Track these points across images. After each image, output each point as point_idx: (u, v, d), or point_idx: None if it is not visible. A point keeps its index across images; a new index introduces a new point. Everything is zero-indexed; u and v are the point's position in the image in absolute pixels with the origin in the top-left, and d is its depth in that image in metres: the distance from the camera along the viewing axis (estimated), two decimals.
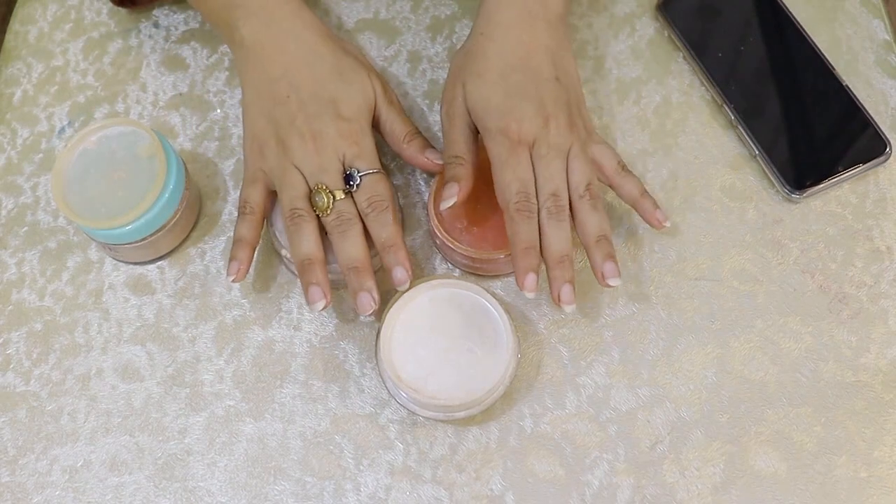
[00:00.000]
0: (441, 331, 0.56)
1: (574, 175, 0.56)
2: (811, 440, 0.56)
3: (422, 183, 0.64)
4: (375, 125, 0.60)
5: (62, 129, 0.67)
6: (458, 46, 0.67)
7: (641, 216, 0.58)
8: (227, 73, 0.68)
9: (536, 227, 0.55)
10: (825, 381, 0.57)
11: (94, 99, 0.68)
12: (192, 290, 0.61)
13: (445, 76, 0.66)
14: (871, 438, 0.56)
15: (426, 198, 0.61)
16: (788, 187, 0.61)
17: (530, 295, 0.54)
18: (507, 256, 0.57)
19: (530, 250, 0.54)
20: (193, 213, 0.63)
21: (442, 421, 0.57)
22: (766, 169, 0.62)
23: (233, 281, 0.57)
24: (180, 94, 0.67)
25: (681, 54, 0.67)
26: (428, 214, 0.59)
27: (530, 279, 0.54)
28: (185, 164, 0.61)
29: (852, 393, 0.57)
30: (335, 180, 0.56)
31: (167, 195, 0.58)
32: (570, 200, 0.56)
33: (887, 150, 0.61)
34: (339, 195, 0.56)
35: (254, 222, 0.58)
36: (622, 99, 0.65)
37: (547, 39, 0.58)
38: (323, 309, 0.55)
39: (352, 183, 0.56)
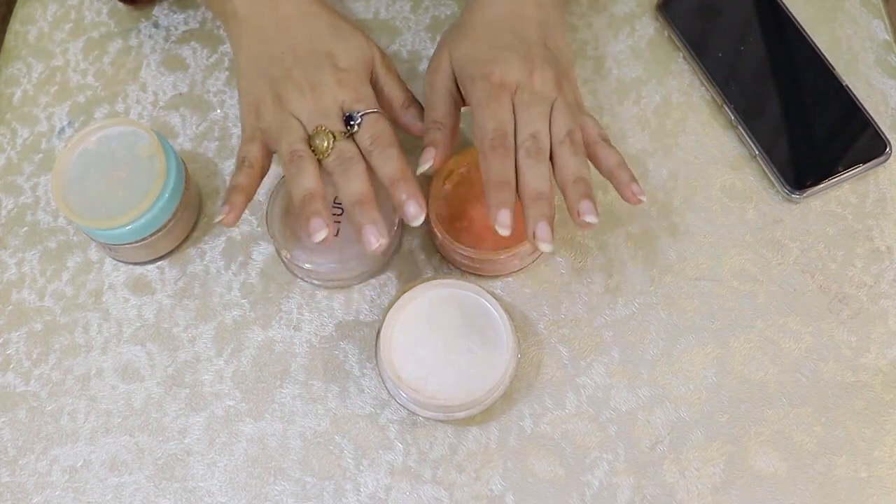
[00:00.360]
0: (441, 331, 0.56)
1: (556, 123, 0.54)
2: (811, 440, 0.56)
3: (422, 183, 0.63)
4: (373, 88, 0.58)
5: (62, 129, 0.67)
6: None
7: (616, 188, 0.55)
8: (226, 73, 0.68)
9: (512, 164, 0.52)
10: (825, 381, 0.57)
11: (94, 99, 0.68)
12: (192, 291, 0.61)
13: None
14: (871, 438, 0.56)
15: (426, 198, 0.61)
16: (788, 187, 0.61)
17: (504, 232, 0.51)
18: (508, 256, 0.58)
19: (503, 184, 0.52)
20: (193, 213, 0.63)
21: (442, 421, 0.57)
22: (766, 169, 0.62)
23: (221, 222, 0.54)
24: (180, 94, 0.67)
25: (681, 54, 0.67)
26: (428, 214, 0.59)
27: (504, 214, 0.51)
28: (185, 164, 0.61)
29: (852, 393, 0.57)
30: (335, 123, 0.54)
31: (167, 195, 0.58)
32: (550, 147, 0.54)
33: (887, 150, 0.61)
34: (340, 136, 0.54)
35: (252, 174, 0.55)
36: (622, 99, 0.65)
37: (536, 13, 0.57)
38: (325, 240, 0.53)
39: (352, 123, 0.54)
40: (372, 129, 0.54)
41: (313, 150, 0.54)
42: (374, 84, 0.58)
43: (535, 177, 0.52)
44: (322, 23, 0.58)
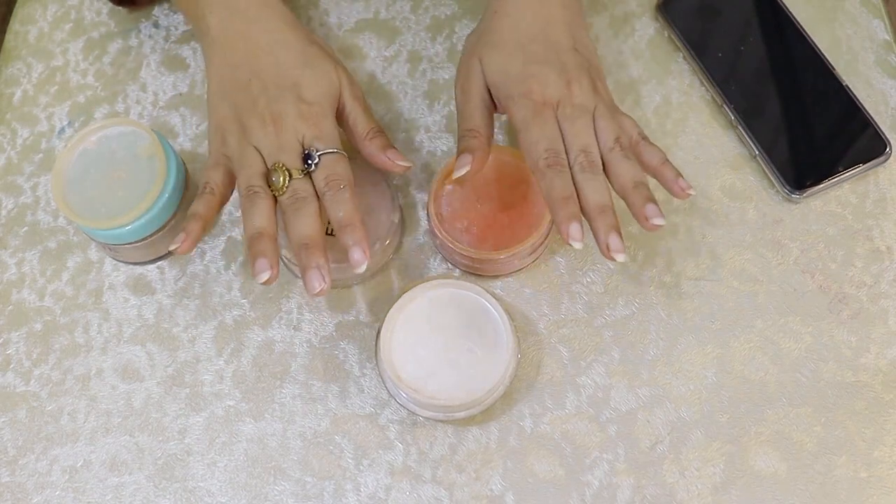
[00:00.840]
0: (441, 331, 0.56)
1: (602, 133, 0.54)
2: (811, 440, 0.56)
3: (422, 183, 0.64)
4: (339, 118, 0.58)
5: (62, 129, 0.67)
6: (458, 47, 0.67)
7: (663, 185, 0.55)
8: None
9: (570, 179, 0.53)
10: (825, 381, 0.57)
11: (94, 99, 0.68)
12: (192, 291, 0.61)
13: (445, 76, 0.67)
14: (871, 438, 0.56)
15: (426, 198, 0.61)
16: (788, 187, 0.61)
17: (577, 245, 0.51)
18: (508, 256, 0.58)
19: (569, 199, 0.52)
20: None
21: (442, 421, 0.57)
22: (766, 169, 0.62)
23: (177, 251, 0.54)
24: (180, 94, 0.68)
25: (681, 54, 0.66)
26: (428, 214, 0.59)
27: (574, 228, 0.51)
28: (185, 164, 0.61)
29: (852, 393, 0.57)
30: (293, 160, 0.54)
31: (167, 195, 0.58)
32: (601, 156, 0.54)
33: (887, 150, 0.61)
34: (296, 174, 0.54)
35: (212, 202, 0.56)
36: (622, 99, 0.65)
37: (562, 13, 0.58)
38: (267, 281, 0.52)
39: (310, 162, 0.54)
40: (328, 169, 0.54)
41: (270, 187, 0.54)
42: (341, 113, 0.58)
43: (596, 190, 0.53)
44: (291, 52, 0.58)
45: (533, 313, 0.60)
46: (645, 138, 0.56)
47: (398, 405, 0.57)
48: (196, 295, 0.61)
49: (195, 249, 0.62)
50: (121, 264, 0.63)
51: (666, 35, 0.67)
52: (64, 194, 0.58)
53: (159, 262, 0.62)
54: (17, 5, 0.73)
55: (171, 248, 0.54)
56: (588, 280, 0.60)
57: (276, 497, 0.56)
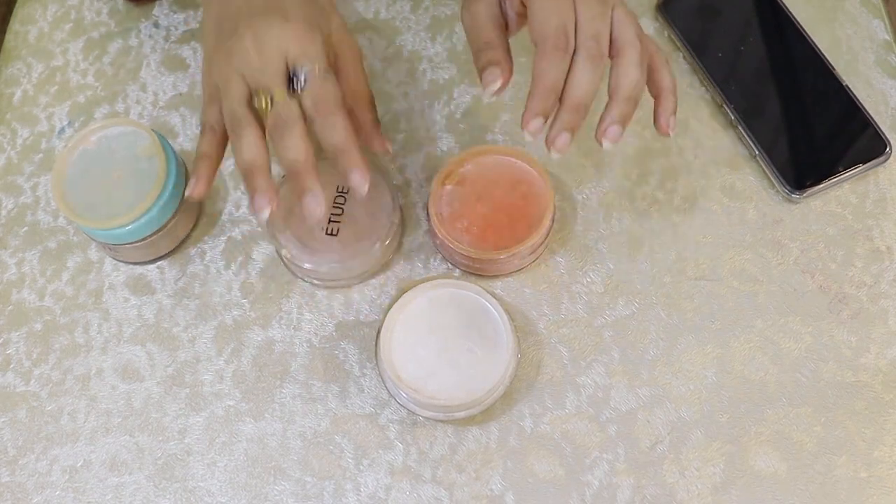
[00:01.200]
0: (441, 331, 0.56)
1: (621, 24, 0.51)
2: (811, 440, 0.56)
3: (422, 183, 0.64)
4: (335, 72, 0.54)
5: (62, 129, 0.67)
6: (459, 47, 0.67)
7: (656, 111, 0.54)
8: None
9: (566, 69, 0.50)
10: (825, 381, 0.57)
11: (94, 99, 0.68)
12: (192, 290, 0.61)
13: (445, 76, 0.67)
14: (871, 438, 0.56)
15: (426, 198, 0.61)
16: (788, 187, 0.61)
17: (530, 138, 0.49)
18: (508, 256, 0.58)
19: (551, 94, 0.50)
20: (193, 213, 0.63)
21: (442, 421, 0.57)
22: (766, 169, 0.62)
23: (190, 195, 0.52)
24: (180, 94, 0.68)
25: (681, 54, 0.66)
26: (428, 214, 0.59)
27: (536, 123, 0.49)
28: (185, 164, 0.61)
29: (852, 393, 0.57)
30: (276, 80, 0.50)
31: (167, 195, 0.58)
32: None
33: (887, 150, 0.61)
34: (279, 96, 0.50)
35: (214, 140, 0.53)
36: None
37: None
38: (269, 218, 0.50)
39: (295, 81, 0.50)
40: (315, 90, 0.50)
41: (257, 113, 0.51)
42: (334, 63, 0.55)
43: (588, 83, 0.50)
44: None
45: (533, 313, 0.60)
46: (662, 55, 0.53)
47: (398, 405, 0.58)
48: (196, 295, 0.61)
49: (195, 249, 0.62)
50: (121, 264, 0.63)
51: (666, 35, 0.67)
52: (64, 194, 0.58)
53: (159, 262, 0.62)
54: (17, 5, 0.73)
55: (187, 193, 0.53)
56: (588, 280, 0.60)
57: (276, 497, 0.56)
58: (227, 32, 0.53)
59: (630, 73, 0.51)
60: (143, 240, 0.59)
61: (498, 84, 0.51)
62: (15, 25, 0.71)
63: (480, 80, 0.52)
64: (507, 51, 0.53)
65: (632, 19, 0.52)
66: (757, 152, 0.62)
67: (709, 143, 0.64)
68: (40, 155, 0.66)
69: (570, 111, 0.50)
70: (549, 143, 0.50)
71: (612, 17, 0.51)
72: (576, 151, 0.64)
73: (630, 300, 0.60)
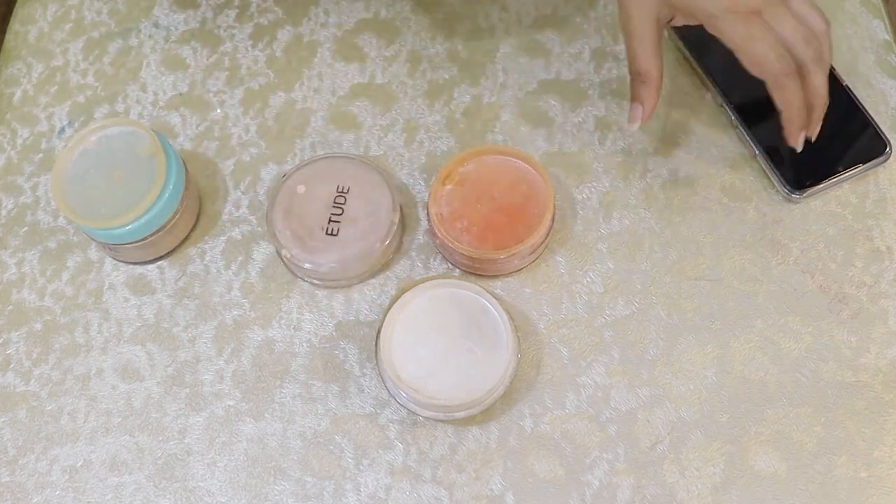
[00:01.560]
0: (441, 331, 0.56)
1: (810, 17, 0.55)
2: (811, 440, 0.56)
3: (422, 183, 0.64)
4: None
5: (62, 129, 0.67)
6: (459, 47, 0.67)
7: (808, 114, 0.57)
8: (226, 73, 0.68)
9: (800, 84, 0.55)
10: (825, 381, 0.57)
11: (94, 99, 0.68)
12: (192, 290, 0.61)
13: (445, 76, 0.67)
14: (871, 438, 0.56)
15: (426, 198, 0.61)
16: (788, 187, 0.61)
17: (800, 148, 0.56)
18: (508, 256, 0.58)
19: (802, 111, 0.55)
20: (193, 213, 0.63)
21: (442, 421, 0.57)
22: (766, 169, 0.62)
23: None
24: (180, 94, 0.68)
25: (681, 54, 0.66)
26: (428, 214, 0.59)
27: (802, 137, 0.56)
28: (185, 164, 0.61)
29: (852, 393, 0.57)
30: None
31: (167, 195, 0.58)
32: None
33: (887, 150, 0.61)
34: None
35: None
36: (622, 99, 0.65)
37: None
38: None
39: None
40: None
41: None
42: None
43: (822, 84, 0.55)
44: None
45: (533, 313, 0.60)
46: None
47: (398, 405, 0.58)
48: (196, 294, 0.61)
49: (195, 249, 0.62)
50: (121, 264, 0.63)
51: (666, 35, 0.67)
52: (64, 194, 0.58)
53: (159, 262, 0.62)
54: (17, 5, 0.73)
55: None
56: (588, 280, 0.60)
57: (276, 497, 0.56)
58: None
59: (820, 81, 0.55)
60: (143, 240, 0.59)
61: (637, 125, 0.56)
62: (15, 25, 0.71)
63: (630, 106, 0.57)
64: (660, 79, 0.56)
65: (809, 6, 0.55)
66: (757, 152, 0.62)
67: (709, 143, 0.64)
68: (40, 155, 0.66)
69: (820, 110, 0.56)
70: (809, 135, 0.56)
71: (791, 8, 0.54)
72: (576, 151, 0.64)
73: (630, 300, 0.60)
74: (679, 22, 0.56)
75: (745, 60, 0.54)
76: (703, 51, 0.65)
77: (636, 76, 0.55)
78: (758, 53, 0.53)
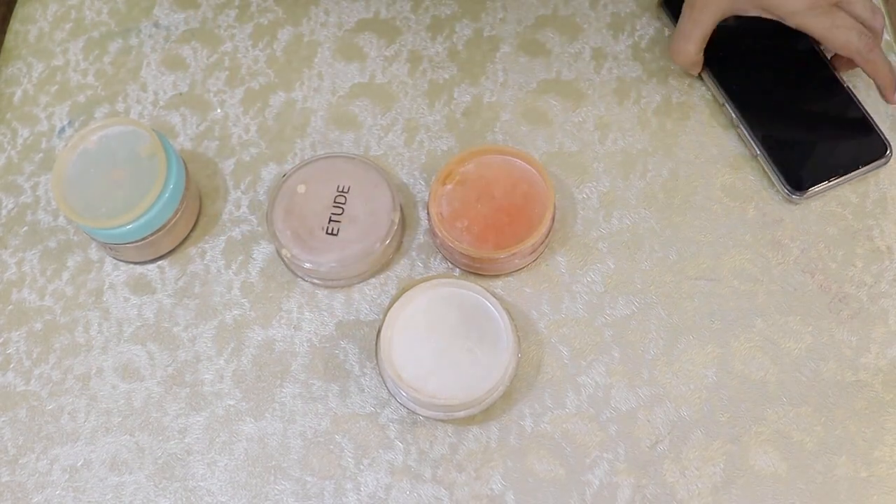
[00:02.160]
0: (441, 331, 0.56)
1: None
2: (811, 440, 0.56)
3: (422, 183, 0.64)
4: None
5: (62, 129, 0.67)
6: (459, 46, 0.67)
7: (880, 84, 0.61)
8: (226, 72, 0.68)
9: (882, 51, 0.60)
10: (825, 381, 0.57)
11: (94, 99, 0.68)
12: (192, 290, 0.61)
13: (445, 76, 0.67)
14: (871, 438, 0.56)
15: (426, 198, 0.61)
16: (788, 188, 0.61)
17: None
18: (508, 256, 0.58)
19: (892, 72, 0.60)
20: (193, 213, 0.63)
21: (442, 420, 0.57)
22: (766, 169, 0.62)
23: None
24: (180, 94, 0.68)
25: None
26: (428, 214, 0.59)
27: None
28: (185, 163, 0.61)
29: (852, 393, 0.57)
30: None
31: (167, 195, 0.58)
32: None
33: (888, 152, 0.61)
34: None
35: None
36: (622, 99, 0.65)
37: None
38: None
39: None
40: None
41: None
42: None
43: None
44: None
45: (533, 313, 0.60)
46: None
47: (398, 404, 0.58)
48: (196, 294, 0.61)
49: (195, 248, 0.62)
50: (121, 264, 0.63)
51: (666, 34, 0.67)
52: (64, 194, 0.58)
53: (159, 262, 0.62)
54: (17, 5, 0.73)
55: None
56: (588, 279, 0.60)
57: (276, 496, 0.56)
58: None
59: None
60: (143, 239, 0.59)
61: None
62: (15, 25, 0.71)
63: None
64: (698, 67, 0.64)
65: None
66: (757, 152, 0.62)
67: (709, 143, 0.64)
68: (40, 154, 0.66)
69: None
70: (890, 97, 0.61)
71: None
72: (576, 151, 0.64)
73: (630, 300, 0.60)
74: (744, 13, 0.61)
75: (833, 46, 0.60)
76: (704, 50, 0.65)
77: (682, 66, 0.63)
78: (843, 39, 0.59)
